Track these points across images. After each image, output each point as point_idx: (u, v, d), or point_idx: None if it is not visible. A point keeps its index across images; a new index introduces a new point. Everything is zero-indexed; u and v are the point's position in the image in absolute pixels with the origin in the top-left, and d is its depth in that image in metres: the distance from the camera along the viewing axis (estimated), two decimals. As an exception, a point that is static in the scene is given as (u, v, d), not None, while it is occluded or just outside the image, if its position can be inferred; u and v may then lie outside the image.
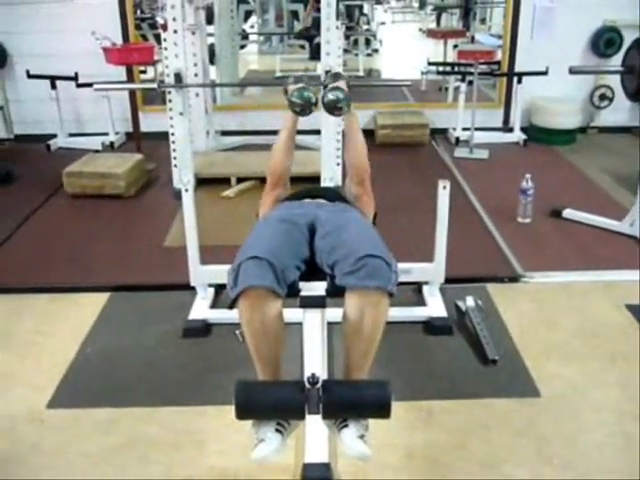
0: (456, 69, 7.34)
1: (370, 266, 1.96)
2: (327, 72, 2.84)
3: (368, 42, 11.08)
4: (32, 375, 2.95)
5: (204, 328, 3.25)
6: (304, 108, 2.62)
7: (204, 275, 3.36)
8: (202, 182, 5.16)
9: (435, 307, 3.37)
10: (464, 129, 6.34)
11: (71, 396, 2.80)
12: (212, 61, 7.06)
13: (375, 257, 1.98)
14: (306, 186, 2.76)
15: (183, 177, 4.72)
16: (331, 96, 2.57)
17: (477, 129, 6.11)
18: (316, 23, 9.42)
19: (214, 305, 3.43)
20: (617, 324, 3.30)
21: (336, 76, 2.85)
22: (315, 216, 2.30)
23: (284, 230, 2.19)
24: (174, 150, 4.90)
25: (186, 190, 3.25)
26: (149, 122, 6.08)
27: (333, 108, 2.58)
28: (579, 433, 2.55)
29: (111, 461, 2.43)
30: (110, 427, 2.61)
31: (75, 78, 6.08)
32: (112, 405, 2.73)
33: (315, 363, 1.99)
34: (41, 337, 3.24)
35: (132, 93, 6.03)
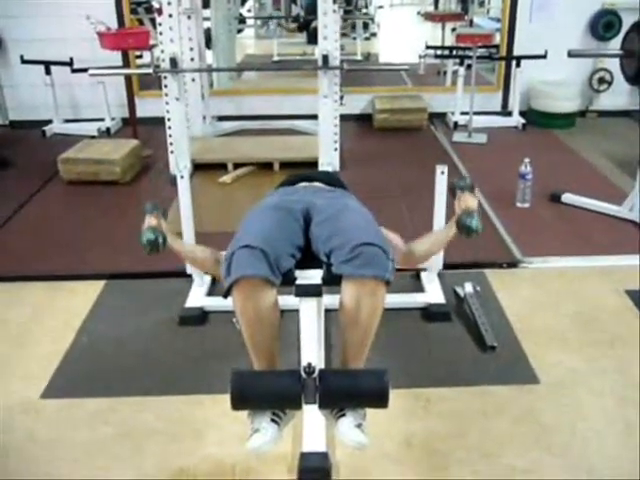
0: (454, 53, 7.29)
1: (366, 254, 1.94)
2: (463, 178, 2.51)
3: (366, 26, 11.00)
4: (26, 365, 2.92)
5: (201, 316, 3.23)
6: (152, 251, 2.37)
7: (200, 262, 3.33)
8: (199, 168, 5.13)
9: (433, 293, 3.35)
10: (462, 113, 6.31)
11: (66, 386, 2.78)
12: (208, 45, 7.02)
13: (372, 245, 1.96)
14: (303, 171, 2.73)
15: (179, 163, 4.70)
16: (475, 224, 2.33)
17: (476, 113, 6.07)
18: (313, 7, 9.37)
19: (211, 293, 3.41)
20: (616, 310, 3.28)
21: (470, 187, 2.49)
22: (310, 203, 2.27)
23: (278, 217, 2.17)
24: (170, 136, 4.86)
25: (182, 176, 3.22)
26: (145, 107, 6.03)
27: (468, 234, 2.34)
28: (578, 420, 2.53)
29: (106, 451, 2.41)
30: (105, 417, 2.58)
31: (70, 63, 6.04)
32: (107, 395, 2.71)
33: (311, 352, 1.97)
34: (36, 326, 3.22)
35: (128, 78, 5.97)
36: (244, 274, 1.91)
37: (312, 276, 2.18)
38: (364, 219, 2.20)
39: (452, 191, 2.56)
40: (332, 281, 2.05)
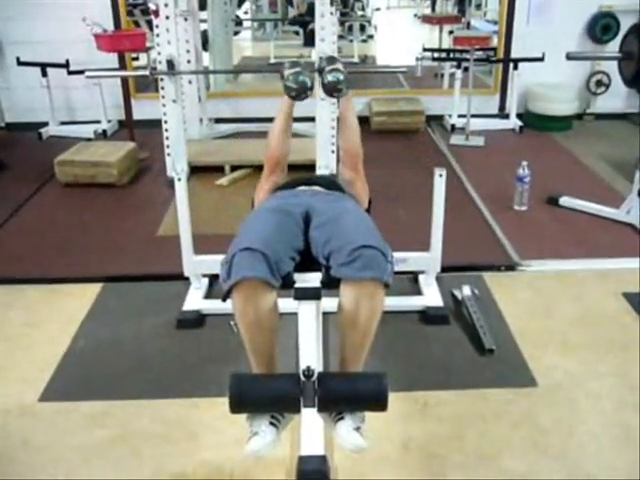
0: (452, 55, 7.29)
1: (365, 257, 1.93)
2: (321, 57, 2.82)
3: (363, 28, 11.00)
4: (23, 368, 2.91)
5: (198, 319, 3.22)
6: (299, 92, 2.59)
7: (198, 265, 3.32)
8: (196, 170, 5.12)
9: (431, 296, 3.35)
10: (460, 116, 6.31)
11: (63, 389, 2.77)
12: (205, 48, 7.00)
13: (370, 248, 1.95)
14: (301, 174, 2.72)
15: (176, 165, 4.68)
16: (331, 77, 2.60)
17: (473, 116, 6.08)
18: (310, 9, 9.35)
19: (208, 295, 3.40)
20: (614, 313, 3.28)
21: (331, 59, 2.83)
22: (310, 206, 2.27)
23: (278, 220, 2.16)
24: (167, 138, 4.85)
25: (179, 179, 3.21)
26: (142, 110, 6.01)
27: (333, 89, 2.61)
28: (576, 424, 2.53)
29: (103, 455, 2.40)
30: (102, 420, 2.57)
31: (66, 65, 6.02)
32: (105, 398, 2.70)
33: (310, 355, 1.96)
34: (33, 329, 3.20)
35: (124, 80, 5.95)
36: (245, 276, 1.90)
37: (311, 279, 2.17)
38: (363, 222, 2.19)
39: (319, 72, 2.86)
40: (331, 284, 2.04)
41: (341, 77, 2.59)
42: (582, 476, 2.28)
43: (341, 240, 2.02)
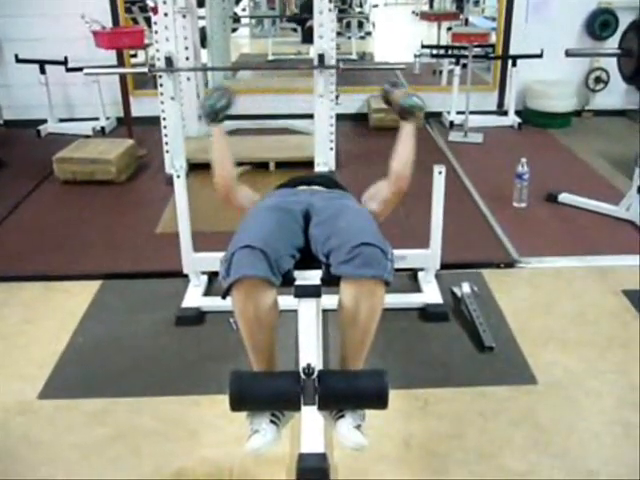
0: (450, 52, 7.28)
1: (366, 255, 1.93)
2: (393, 84, 2.75)
3: (361, 25, 11.01)
4: (22, 365, 2.90)
5: (197, 316, 3.21)
6: (210, 115, 2.55)
7: (197, 262, 3.32)
8: (194, 167, 5.10)
9: (431, 293, 3.34)
10: (458, 113, 6.30)
11: (62, 387, 2.76)
12: (203, 45, 6.99)
13: (371, 245, 1.95)
14: (300, 172, 2.72)
15: (175, 162, 4.69)
16: (415, 100, 2.53)
17: (471, 112, 6.07)
18: (305, 7, 9.36)
19: (207, 293, 3.39)
20: (614, 310, 3.28)
21: (395, 83, 2.78)
22: (310, 204, 2.26)
23: (278, 218, 2.16)
24: (166, 135, 4.85)
25: (178, 176, 3.21)
26: (140, 107, 6.02)
27: (410, 113, 2.53)
28: (576, 421, 2.53)
29: (103, 452, 2.39)
30: (102, 418, 2.57)
31: (65, 62, 6.00)
32: (104, 395, 2.69)
33: (310, 353, 1.96)
34: (31, 327, 3.20)
35: (123, 77, 5.94)
36: (245, 274, 1.90)
37: (311, 277, 2.16)
38: (363, 219, 2.19)
39: (385, 98, 2.74)
40: (331, 281, 2.04)
41: (421, 103, 2.53)
42: (582, 474, 2.27)
43: (341, 238, 2.01)
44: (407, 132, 2.55)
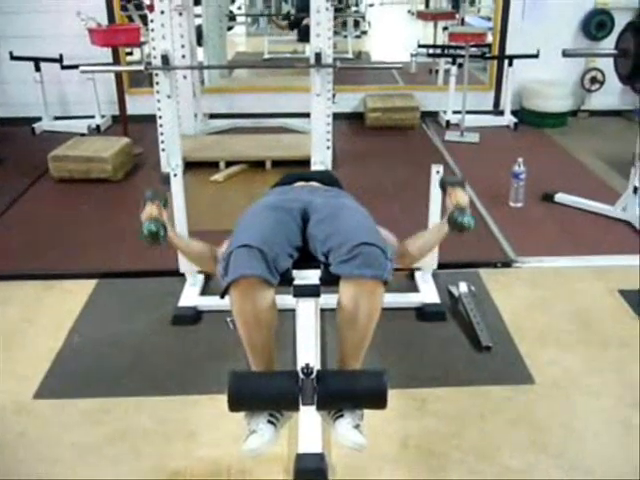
0: (446, 51, 7.28)
1: (365, 254, 1.92)
2: (454, 175, 2.50)
3: (357, 24, 11.01)
4: (18, 365, 2.89)
5: (194, 315, 3.20)
6: (153, 243, 2.23)
7: (193, 261, 3.31)
8: (190, 166, 5.10)
9: (428, 293, 3.34)
10: (455, 112, 6.31)
11: (59, 386, 2.75)
12: (200, 43, 6.99)
13: (370, 245, 1.94)
14: (296, 170, 2.71)
15: (171, 161, 4.67)
16: (468, 221, 2.27)
17: (468, 112, 6.07)
18: (304, 4, 9.32)
19: (204, 292, 3.38)
20: (610, 310, 3.28)
21: (462, 184, 2.52)
22: (308, 202, 2.25)
23: (276, 217, 2.15)
24: (162, 134, 4.83)
25: (174, 174, 3.20)
26: (136, 105, 5.99)
27: (458, 230, 2.29)
28: (574, 421, 2.53)
29: (100, 452, 2.38)
30: (98, 417, 2.55)
31: (60, 60, 5.99)
32: (101, 395, 2.68)
33: (309, 353, 1.95)
34: (27, 325, 3.18)
35: (118, 75, 5.93)
36: (243, 274, 1.89)
37: (310, 276, 2.15)
38: (362, 218, 2.18)
39: (443, 188, 2.56)
40: (330, 281, 2.03)
41: (473, 224, 2.28)
42: (581, 473, 2.27)
43: (341, 237, 2.01)
44: (441, 230, 2.40)
